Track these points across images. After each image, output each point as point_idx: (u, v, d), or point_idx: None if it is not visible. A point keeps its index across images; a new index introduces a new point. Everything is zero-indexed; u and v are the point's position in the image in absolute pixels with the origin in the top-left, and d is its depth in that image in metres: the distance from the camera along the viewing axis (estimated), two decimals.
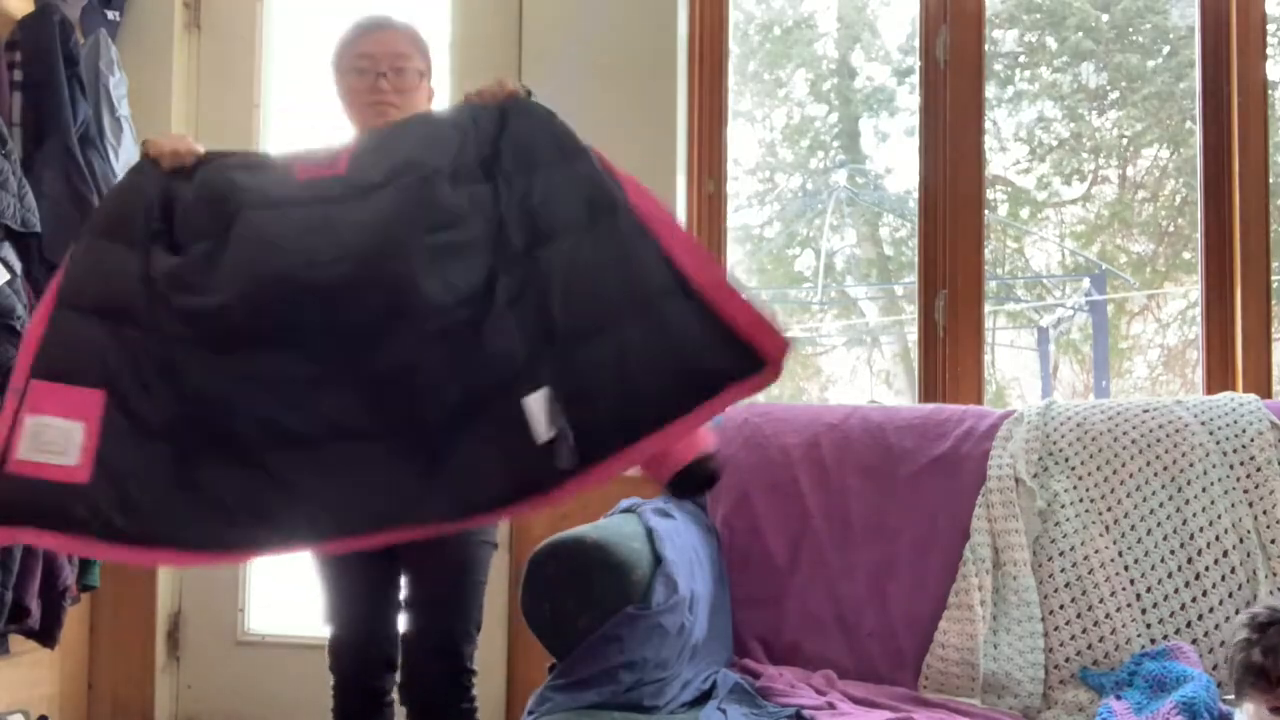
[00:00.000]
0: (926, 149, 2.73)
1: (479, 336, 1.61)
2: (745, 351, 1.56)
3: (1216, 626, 2.01)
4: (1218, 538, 2.07)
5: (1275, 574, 2.04)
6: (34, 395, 1.57)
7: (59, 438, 1.54)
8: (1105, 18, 3.26)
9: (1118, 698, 1.89)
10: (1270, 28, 2.61)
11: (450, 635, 1.95)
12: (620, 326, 1.59)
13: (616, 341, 1.59)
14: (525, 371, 1.59)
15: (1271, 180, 2.56)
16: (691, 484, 1.78)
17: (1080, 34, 3.28)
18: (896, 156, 3.66)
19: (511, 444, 1.58)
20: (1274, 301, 2.53)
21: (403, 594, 2.00)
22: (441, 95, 2.19)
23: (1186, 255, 3.23)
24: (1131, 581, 2.07)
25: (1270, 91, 2.58)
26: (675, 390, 1.57)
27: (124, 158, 2.73)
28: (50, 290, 1.67)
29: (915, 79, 2.80)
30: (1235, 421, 2.17)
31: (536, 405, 1.56)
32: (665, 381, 1.57)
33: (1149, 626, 2.04)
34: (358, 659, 2.01)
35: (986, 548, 2.14)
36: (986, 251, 2.73)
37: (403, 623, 1.99)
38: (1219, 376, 2.56)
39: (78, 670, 2.89)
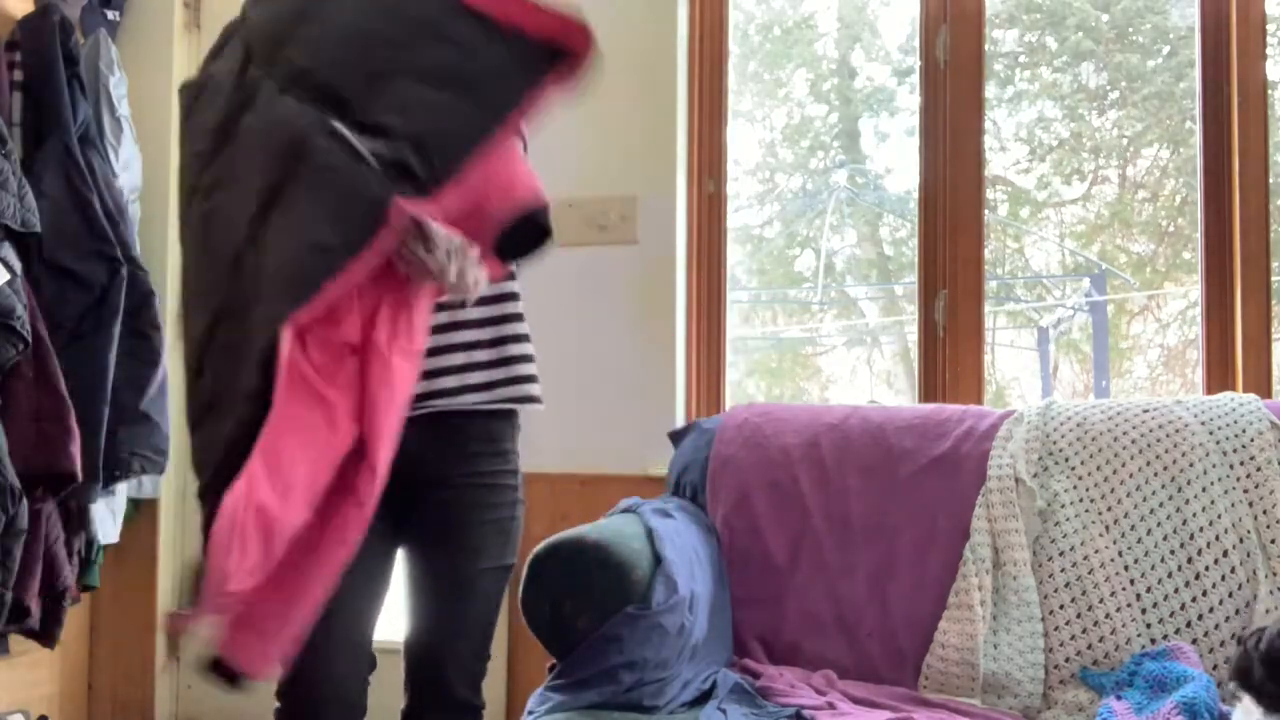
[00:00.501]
0: (926, 149, 2.73)
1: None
2: (543, 50, 1.44)
3: (1216, 626, 2.01)
4: (1218, 538, 2.07)
5: (1275, 574, 2.04)
6: None
7: None
8: (1105, 18, 3.26)
9: (1118, 698, 1.89)
10: (1270, 28, 2.61)
11: (449, 674, 1.74)
12: (411, 58, 1.44)
13: (414, 73, 1.43)
14: (319, 123, 1.40)
15: (1271, 180, 2.55)
16: (529, 237, 1.56)
17: (1080, 34, 3.27)
18: (896, 156, 3.66)
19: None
20: (1274, 301, 2.53)
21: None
22: None
23: (1186, 255, 3.23)
24: (1131, 581, 2.07)
25: (1270, 91, 2.58)
26: (485, 102, 1.43)
27: (124, 157, 2.73)
28: None
29: (915, 79, 2.81)
30: (1235, 421, 2.17)
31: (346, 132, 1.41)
32: (477, 95, 1.43)
33: (1149, 626, 2.04)
34: (329, 671, 1.65)
35: (986, 548, 2.14)
36: (986, 251, 2.73)
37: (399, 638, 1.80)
38: (1219, 376, 2.56)
39: (78, 670, 2.89)
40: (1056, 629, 2.07)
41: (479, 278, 1.51)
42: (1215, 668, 1.97)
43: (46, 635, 2.47)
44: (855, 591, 2.21)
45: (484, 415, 1.72)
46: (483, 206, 1.47)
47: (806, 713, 1.86)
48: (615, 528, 1.92)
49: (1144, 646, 2.02)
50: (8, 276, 2.27)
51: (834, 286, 3.86)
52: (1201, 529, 2.08)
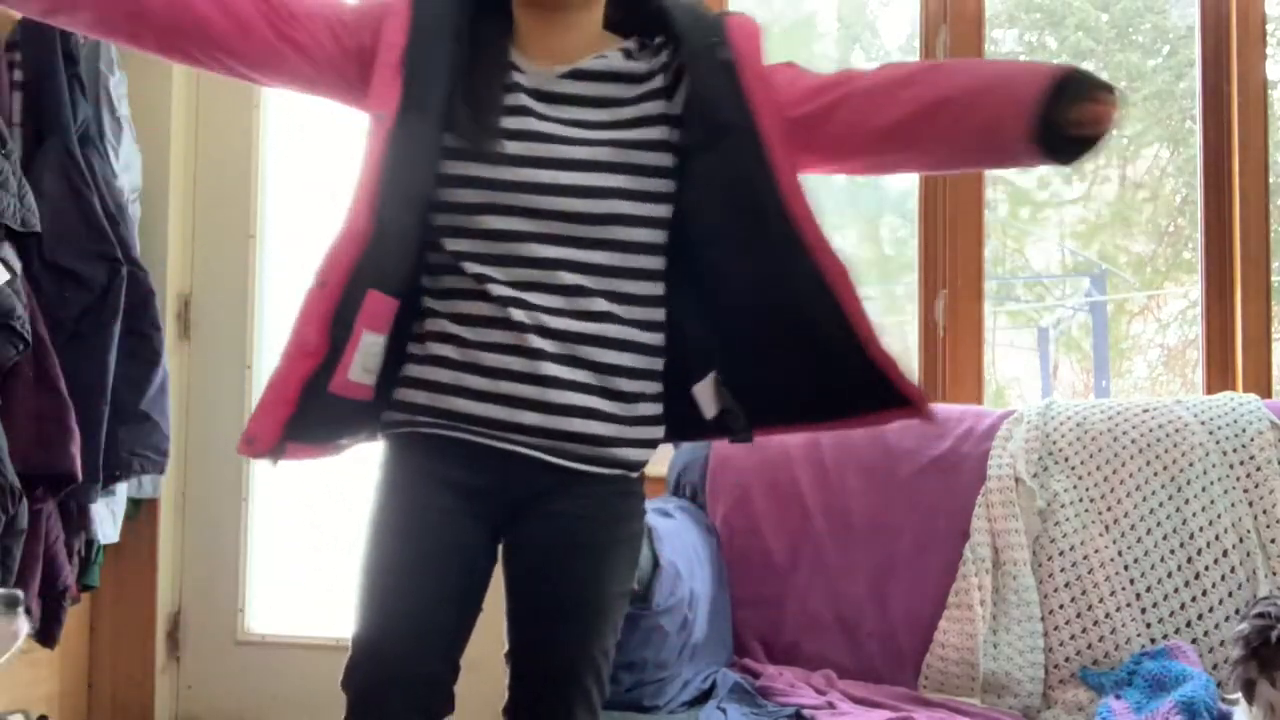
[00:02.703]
0: None
1: None
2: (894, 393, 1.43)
3: (1216, 626, 2.02)
4: (1217, 537, 2.07)
5: (1275, 574, 2.04)
6: (370, 306, 1.36)
7: (374, 356, 1.38)
8: (1105, 17, 3.26)
9: (1117, 697, 1.90)
10: (1270, 28, 2.61)
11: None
12: (788, 353, 1.42)
13: (785, 367, 1.43)
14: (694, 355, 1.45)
15: (1271, 180, 2.55)
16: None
17: (1080, 34, 3.27)
18: None
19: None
20: (1274, 301, 2.53)
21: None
22: None
23: (1186, 255, 3.23)
24: (1131, 581, 2.08)
25: (1270, 91, 2.58)
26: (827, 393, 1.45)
27: (124, 157, 2.72)
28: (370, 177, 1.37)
29: None
30: (1235, 421, 2.17)
31: (704, 392, 1.46)
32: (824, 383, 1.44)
33: (1149, 626, 2.04)
34: (402, 679, 1.39)
35: (986, 547, 2.14)
36: (986, 251, 2.73)
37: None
38: (1219, 376, 2.56)
39: (78, 670, 2.89)
40: (1056, 629, 2.07)
41: None
42: (1215, 667, 1.97)
43: (46, 635, 2.47)
44: (855, 591, 2.21)
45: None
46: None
47: (806, 712, 1.86)
48: None
49: (1143, 646, 2.02)
50: (8, 276, 2.27)
51: None
52: (1201, 529, 2.08)
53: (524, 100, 1.40)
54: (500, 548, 1.46)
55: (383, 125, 1.35)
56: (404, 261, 1.39)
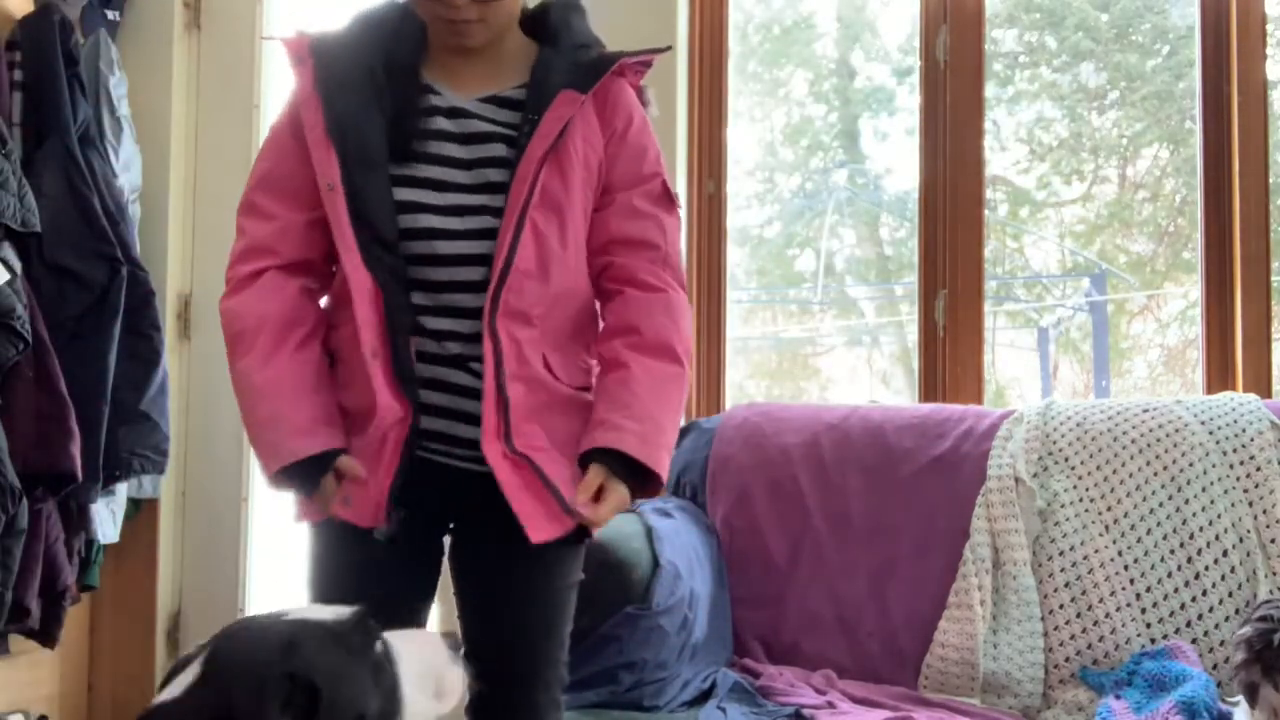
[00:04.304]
0: (926, 149, 2.73)
1: None
2: None
3: (1216, 626, 2.02)
4: (1217, 537, 2.07)
5: (1275, 573, 2.04)
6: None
7: None
8: (1105, 17, 3.26)
9: (1117, 697, 1.89)
10: (1270, 28, 2.61)
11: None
12: None
13: None
14: None
15: (1271, 180, 2.55)
16: None
17: (1080, 34, 3.28)
18: (896, 156, 3.65)
19: None
20: (1274, 301, 2.53)
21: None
22: None
23: (1186, 255, 3.23)
24: (1131, 581, 2.08)
25: (1270, 91, 2.58)
26: None
27: (124, 157, 2.73)
28: None
29: (915, 79, 2.80)
30: (1235, 421, 2.17)
31: None
32: None
33: (1149, 626, 2.04)
34: None
35: (986, 547, 2.14)
36: (986, 251, 2.73)
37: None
38: (1219, 376, 2.56)
39: (78, 670, 2.89)
40: (1056, 629, 2.07)
41: None
42: (1215, 667, 1.97)
43: (46, 635, 2.47)
44: (855, 591, 2.21)
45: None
46: None
47: (806, 712, 1.86)
48: (615, 527, 1.92)
49: (1143, 646, 2.02)
50: (8, 276, 2.27)
51: (834, 286, 3.86)
52: (1201, 529, 2.08)
53: (441, 124, 1.45)
54: (447, 550, 1.53)
55: (335, 192, 1.41)
56: (409, 297, 1.43)
